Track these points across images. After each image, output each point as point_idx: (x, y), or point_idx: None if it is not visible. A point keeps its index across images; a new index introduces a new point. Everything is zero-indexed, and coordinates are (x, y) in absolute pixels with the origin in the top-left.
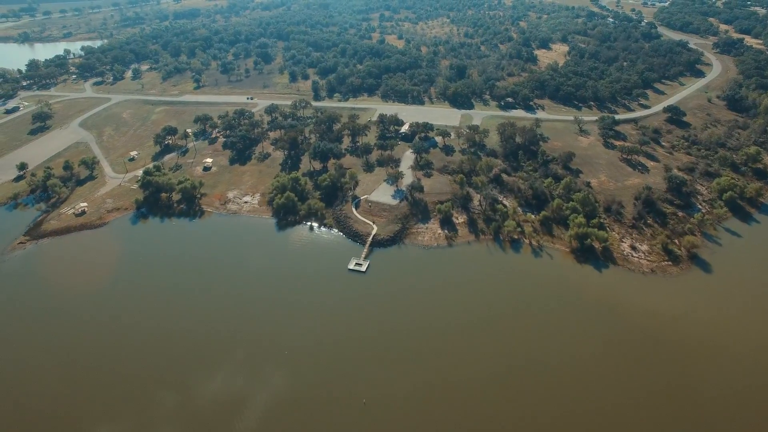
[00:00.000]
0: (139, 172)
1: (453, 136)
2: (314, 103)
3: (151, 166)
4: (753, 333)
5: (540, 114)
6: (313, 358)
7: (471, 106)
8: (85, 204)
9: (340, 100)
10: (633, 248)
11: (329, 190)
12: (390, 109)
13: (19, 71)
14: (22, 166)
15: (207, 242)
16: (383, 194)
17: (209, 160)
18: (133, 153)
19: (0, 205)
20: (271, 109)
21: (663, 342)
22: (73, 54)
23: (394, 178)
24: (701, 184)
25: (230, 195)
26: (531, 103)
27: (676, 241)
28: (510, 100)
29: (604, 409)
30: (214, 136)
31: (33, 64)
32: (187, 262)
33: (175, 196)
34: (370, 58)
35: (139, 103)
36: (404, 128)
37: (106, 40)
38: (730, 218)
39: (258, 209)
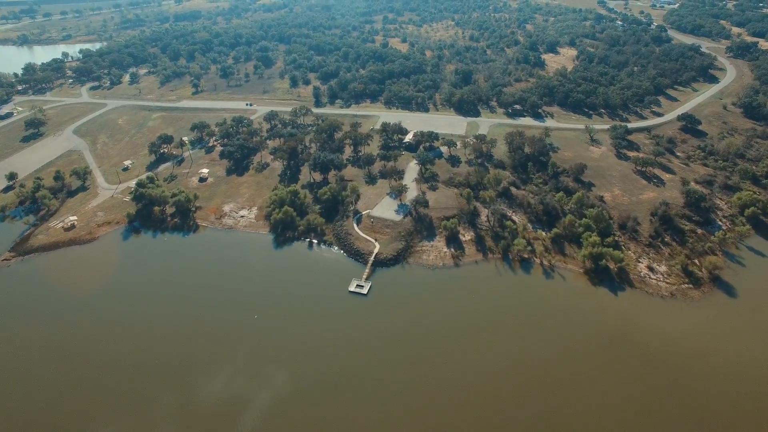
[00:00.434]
0: (133, 183)
1: (459, 146)
2: (315, 110)
3: (144, 177)
4: None
5: (549, 122)
6: (309, 391)
7: (477, 114)
8: (75, 217)
9: (341, 107)
10: (650, 269)
11: (330, 204)
12: (393, 116)
13: (15, 75)
14: (12, 176)
15: (199, 260)
16: (386, 209)
17: (205, 170)
18: (127, 162)
19: None
20: (270, 117)
21: (686, 376)
22: (71, 57)
23: (398, 192)
24: (720, 199)
25: (226, 208)
26: (539, 110)
27: (697, 261)
28: (518, 107)
29: None
30: (211, 144)
31: (29, 68)
32: (176, 284)
33: (169, 210)
34: (373, 63)
35: (136, 108)
36: (408, 137)
37: (105, 43)
38: (753, 236)
39: (255, 224)
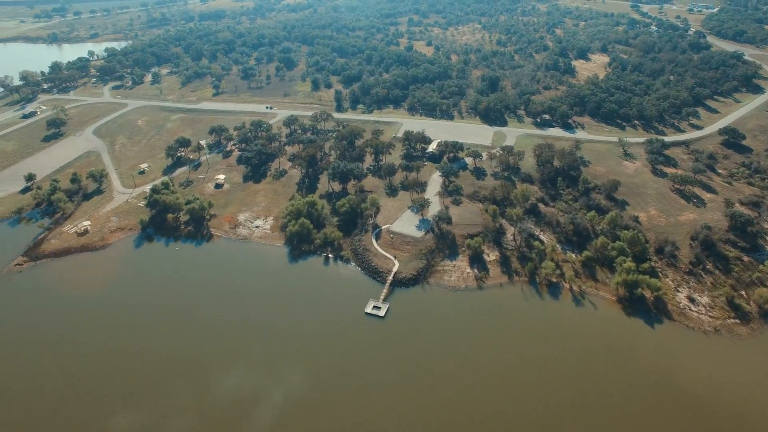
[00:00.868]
0: (148, 188)
1: (485, 157)
2: (336, 115)
3: (159, 182)
4: None
5: (580, 134)
6: (317, 419)
7: (504, 123)
8: (89, 222)
9: (363, 112)
10: (691, 300)
11: (348, 217)
12: (417, 123)
13: (42, 73)
14: (30, 177)
15: (210, 273)
16: (407, 224)
17: (222, 176)
18: (144, 165)
19: (3, 219)
20: (290, 121)
21: (734, 426)
22: (97, 56)
23: (420, 206)
24: None
25: (241, 217)
26: (570, 120)
27: (744, 293)
28: (547, 117)
29: None
30: (228, 149)
31: (55, 67)
32: (184, 298)
33: (183, 217)
34: (397, 67)
35: (156, 109)
36: (432, 147)
37: (130, 42)
38: None
39: (270, 235)
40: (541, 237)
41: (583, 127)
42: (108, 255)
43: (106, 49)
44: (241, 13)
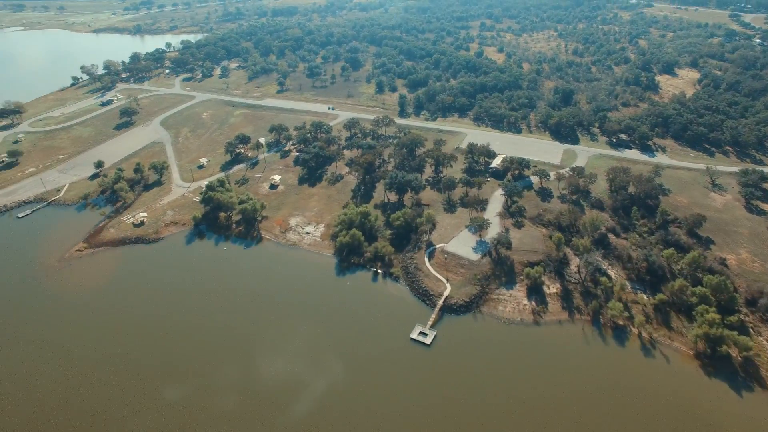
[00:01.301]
0: (205, 183)
1: (552, 177)
2: (398, 120)
3: (215, 179)
4: None
5: (660, 158)
6: None
7: (576, 141)
8: (145, 214)
9: (427, 119)
10: None
11: (402, 231)
12: (481, 135)
13: (123, 63)
14: (99, 164)
15: (256, 277)
16: (463, 245)
17: (277, 177)
18: (203, 160)
19: (71, 204)
20: (350, 124)
21: None
22: (173, 47)
23: (479, 226)
24: None
25: (292, 222)
26: (650, 142)
27: None
28: (623, 137)
29: None
30: (287, 148)
31: (135, 57)
32: (225, 301)
33: (235, 217)
34: (465, 73)
35: (221, 103)
36: (496, 162)
37: (205, 35)
38: None
39: (319, 243)
40: (609, 272)
41: (664, 151)
42: (159, 249)
43: (182, 42)
44: (312, 10)
